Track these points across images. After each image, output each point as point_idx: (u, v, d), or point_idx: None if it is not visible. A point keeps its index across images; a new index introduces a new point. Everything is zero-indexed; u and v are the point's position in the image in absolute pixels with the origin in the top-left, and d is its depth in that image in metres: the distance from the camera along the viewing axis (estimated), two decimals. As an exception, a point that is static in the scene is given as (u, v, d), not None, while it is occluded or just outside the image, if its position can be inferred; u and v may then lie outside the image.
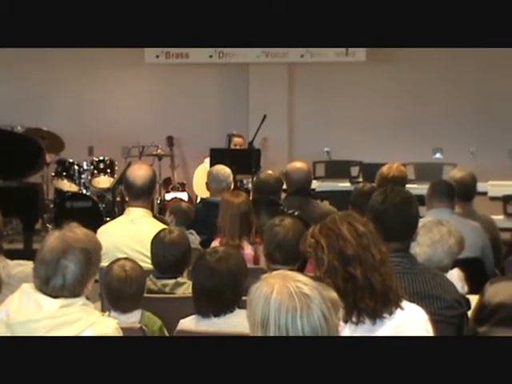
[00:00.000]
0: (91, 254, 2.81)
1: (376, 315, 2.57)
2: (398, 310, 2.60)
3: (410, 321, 2.59)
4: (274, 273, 2.05)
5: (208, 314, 3.20)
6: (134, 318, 3.45)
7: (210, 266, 3.24)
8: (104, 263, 3.92)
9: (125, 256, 4.00)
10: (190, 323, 3.24)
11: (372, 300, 2.55)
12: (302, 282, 1.97)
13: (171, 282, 3.79)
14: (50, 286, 2.73)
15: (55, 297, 2.73)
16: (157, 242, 3.90)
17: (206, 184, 5.84)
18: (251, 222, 4.67)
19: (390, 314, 2.58)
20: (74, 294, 2.75)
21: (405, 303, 2.63)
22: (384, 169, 5.58)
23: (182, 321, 3.28)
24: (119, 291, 3.46)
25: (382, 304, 2.57)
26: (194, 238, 4.90)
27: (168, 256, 3.82)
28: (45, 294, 2.73)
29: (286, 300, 1.93)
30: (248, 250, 4.58)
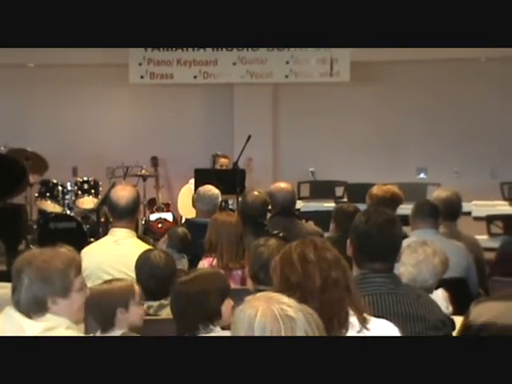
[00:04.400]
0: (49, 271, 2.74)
1: None
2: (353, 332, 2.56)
3: None
4: (258, 294, 2.05)
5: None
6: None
7: (176, 288, 3.24)
8: (89, 284, 3.90)
9: (109, 277, 3.97)
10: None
11: None
12: (286, 304, 1.97)
13: (155, 303, 3.77)
14: (13, 300, 2.71)
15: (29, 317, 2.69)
16: (144, 263, 3.88)
17: (193, 204, 5.80)
18: (244, 243, 4.67)
19: None
20: (30, 311, 2.70)
21: (371, 324, 2.60)
22: (375, 189, 5.54)
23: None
24: None
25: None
26: (185, 262, 4.89)
27: (158, 277, 3.80)
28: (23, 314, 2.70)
29: (270, 323, 1.93)
30: (236, 271, 4.58)
